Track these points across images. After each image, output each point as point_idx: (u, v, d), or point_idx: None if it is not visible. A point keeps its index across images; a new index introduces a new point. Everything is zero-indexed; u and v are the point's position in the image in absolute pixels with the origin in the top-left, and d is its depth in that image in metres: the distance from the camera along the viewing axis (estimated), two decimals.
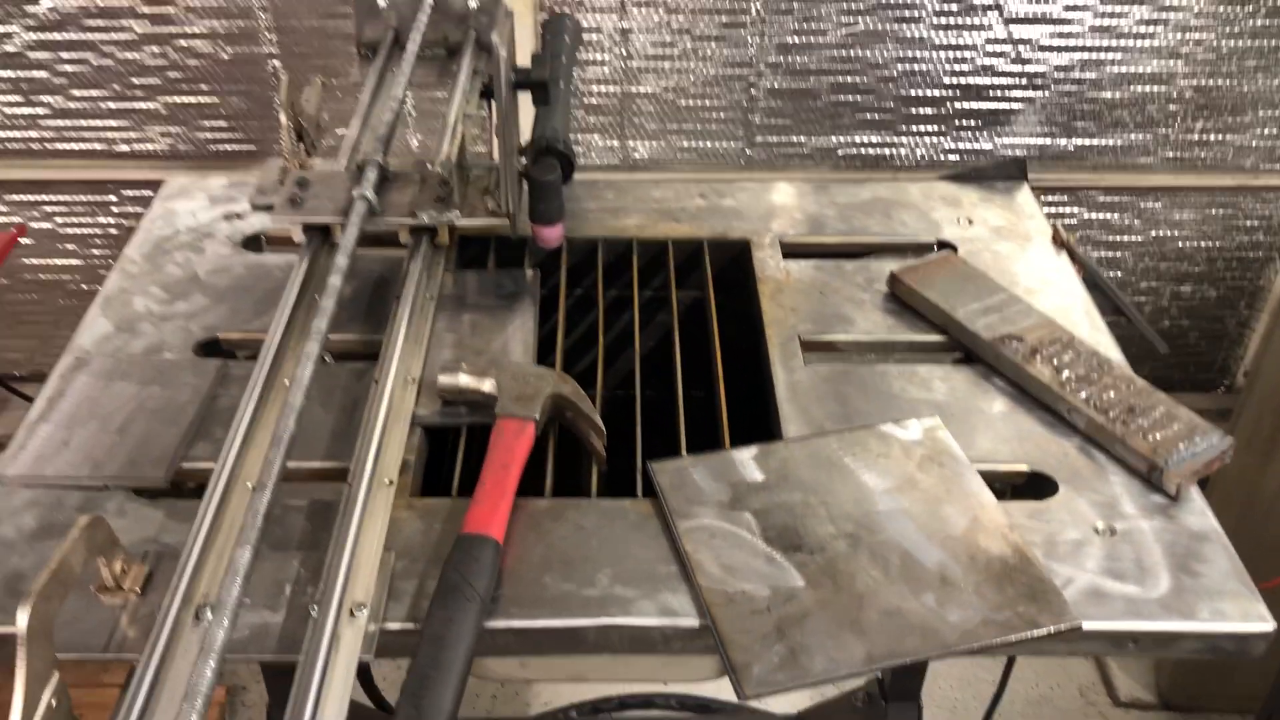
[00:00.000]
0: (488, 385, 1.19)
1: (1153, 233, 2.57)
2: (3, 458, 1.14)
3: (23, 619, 0.85)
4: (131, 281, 1.39)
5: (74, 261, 2.62)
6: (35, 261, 2.60)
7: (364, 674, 1.85)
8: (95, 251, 2.61)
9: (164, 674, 0.90)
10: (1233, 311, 2.70)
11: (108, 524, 0.96)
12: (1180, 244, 2.58)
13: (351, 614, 0.96)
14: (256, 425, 1.12)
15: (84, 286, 2.66)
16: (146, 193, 2.51)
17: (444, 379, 1.20)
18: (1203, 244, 2.58)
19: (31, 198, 2.52)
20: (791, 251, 1.48)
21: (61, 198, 2.53)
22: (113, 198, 2.54)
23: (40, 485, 1.11)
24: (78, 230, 2.58)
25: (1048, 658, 2.54)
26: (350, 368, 1.28)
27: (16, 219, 2.54)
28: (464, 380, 1.19)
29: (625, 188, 1.60)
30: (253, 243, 1.49)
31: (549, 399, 1.18)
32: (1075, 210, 2.53)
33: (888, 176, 2.48)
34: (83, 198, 2.53)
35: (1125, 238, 2.57)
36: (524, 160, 1.42)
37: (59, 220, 2.56)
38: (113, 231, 2.58)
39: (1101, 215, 2.55)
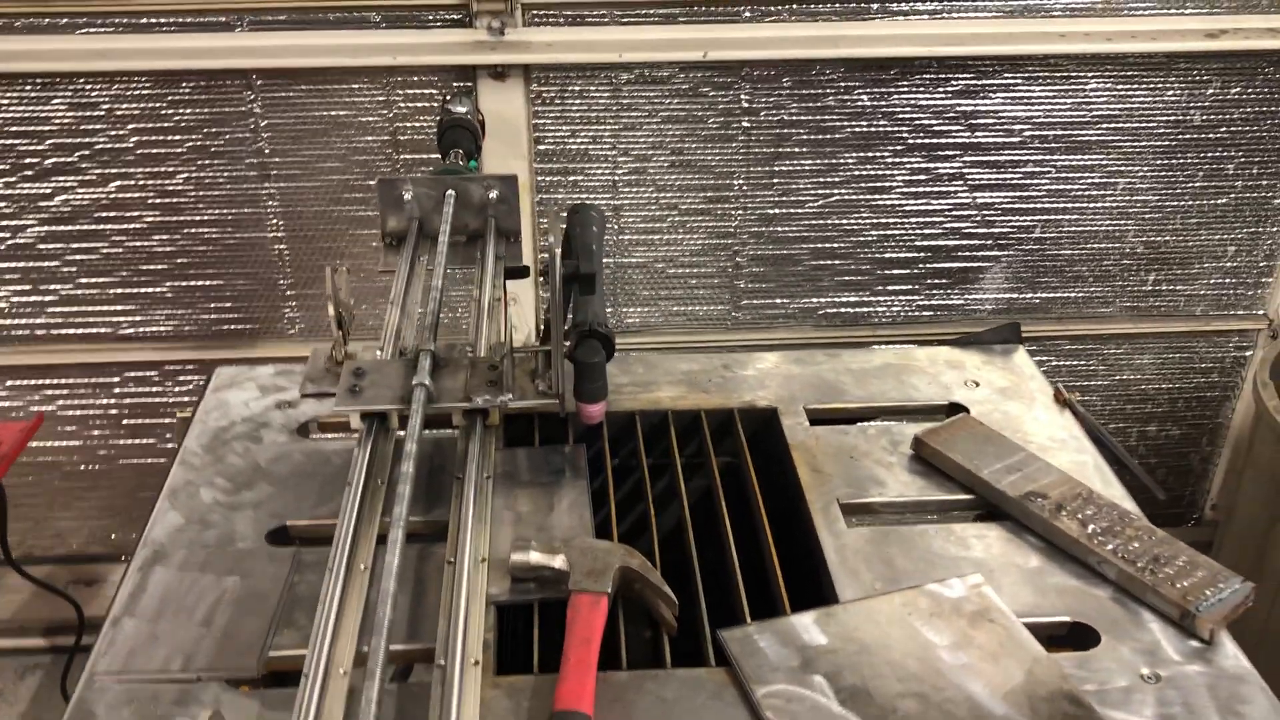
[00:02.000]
0: (558, 561, 1.25)
1: (1117, 376, 2.73)
2: (94, 655, 1.17)
3: None
4: (195, 473, 1.44)
5: (74, 443, 2.63)
6: (33, 445, 2.61)
7: None
8: (95, 433, 2.63)
9: None
10: (1196, 448, 2.85)
11: (224, 718, 1.00)
12: (1143, 386, 2.74)
13: None
14: (343, 611, 1.16)
15: (81, 468, 2.67)
16: (150, 373, 2.57)
17: (516, 557, 1.26)
18: (1164, 385, 2.74)
19: (35, 382, 2.56)
20: (816, 418, 1.58)
21: (64, 380, 2.57)
22: (114, 379, 2.58)
23: (134, 680, 1.13)
24: (79, 412, 2.60)
25: None
26: (415, 548, 1.33)
27: (18, 404, 2.56)
28: (535, 557, 1.25)
29: (654, 361, 1.69)
30: (303, 429, 1.54)
31: (619, 572, 1.24)
32: (1043, 358, 2.68)
33: (867, 334, 2.62)
34: (85, 380, 2.57)
35: (1092, 382, 2.72)
36: (567, 343, 1.51)
37: (60, 403, 2.59)
38: (113, 413, 2.62)
39: (1068, 362, 2.70)
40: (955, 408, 1.61)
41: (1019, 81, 2.35)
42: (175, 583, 1.25)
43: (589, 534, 1.37)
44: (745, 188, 2.45)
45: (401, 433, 1.40)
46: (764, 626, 1.23)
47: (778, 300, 2.59)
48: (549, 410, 1.48)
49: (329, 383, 1.62)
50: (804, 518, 1.41)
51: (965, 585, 1.28)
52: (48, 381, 2.56)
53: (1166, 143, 2.44)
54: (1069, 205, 2.50)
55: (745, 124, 2.37)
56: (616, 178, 2.42)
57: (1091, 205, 2.51)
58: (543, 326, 1.63)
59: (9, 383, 2.54)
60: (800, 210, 2.48)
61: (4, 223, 2.37)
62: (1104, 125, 2.42)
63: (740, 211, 2.48)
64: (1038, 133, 2.41)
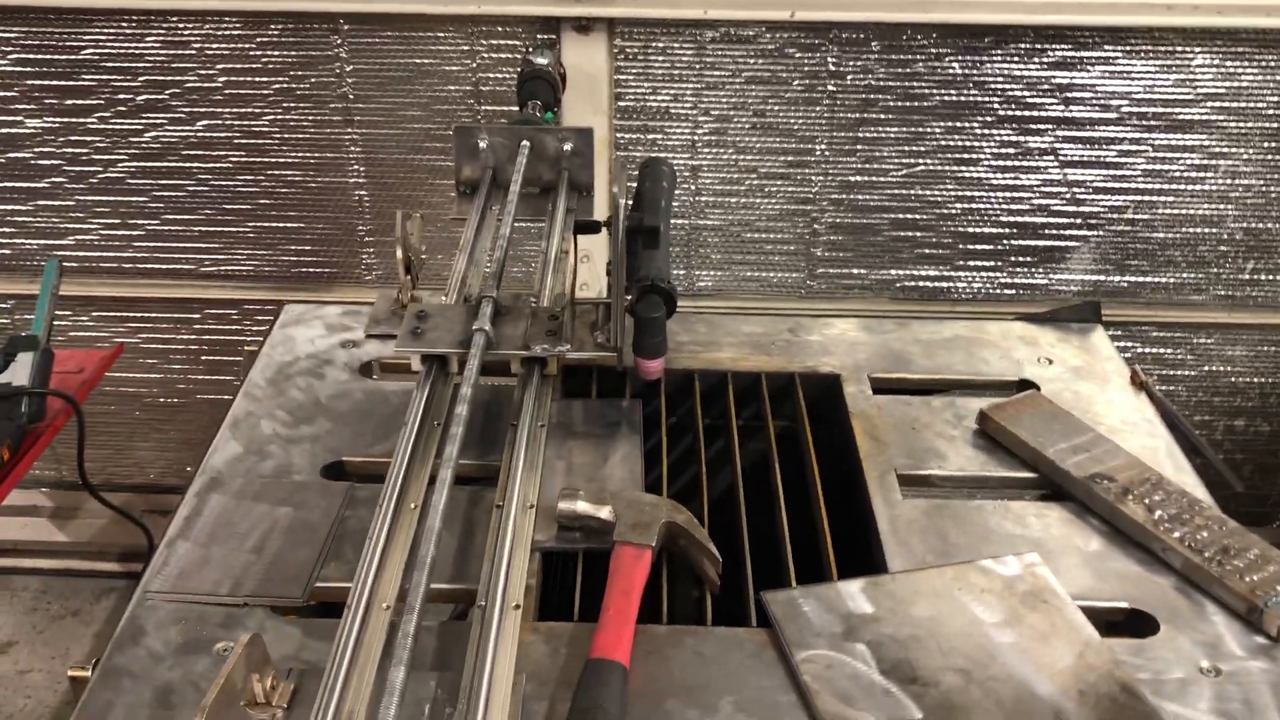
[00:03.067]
0: (605, 512, 1.24)
1: (1206, 367, 2.63)
2: (147, 574, 1.19)
3: None
4: (258, 405, 1.47)
5: (154, 376, 2.71)
6: (115, 375, 2.69)
7: None
8: (174, 367, 2.70)
9: None
10: None
11: (263, 642, 1.01)
12: (1233, 379, 2.63)
13: None
14: (389, 548, 1.17)
15: (161, 401, 2.74)
16: (229, 311, 2.62)
17: (564, 505, 1.25)
18: (1255, 380, 2.64)
19: (119, 314, 2.63)
20: (880, 387, 1.54)
21: (147, 314, 2.63)
22: (195, 315, 2.64)
23: (184, 601, 1.16)
24: (160, 346, 2.67)
25: None
26: (466, 490, 1.33)
27: (104, 334, 2.64)
28: (582, 507, 1.25)
29: (717, 322, 1.67)
30: (366, 369, 1.56)
31: (664, 527, 1.23)
32: (1129, 345, 2.59)
33: (945, 309, 2.56)
34: (167, 315, 2.64)
35: (1178, 372, 2.63)
36: (628, 297, 1.49)
37: (142, 336, 2.66)
38: (192, 348, 2.68)
39: (1155, 350, 2.61)
40: (1025, 384, 1.56)
41: (1119, 54, 2.26)
42: (230, 509, 1.28)
43: (640, 488, 1.36)
44: (827, 153, 2.40)
45: (460, 378, 1.41)
46: (809, 591, 1.21)
47: (854, 270, 2.55)
48: (607, 364, 1.48)
49: (394, 325, 1.63)
50: (859, 486, 1.38)
51: (1020, 563, 1.24)
52: (131, 314, 2.63)
53: (1275, 124, 2.33)
54: (1165, 187, 2.41)
55: (830, 88, 2.32)
56: (696, 137, 2.39)
57: (1190, 188, 2.41)
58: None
59: (94, 313, 2.61)
60: (883, 179, 2.43)
61: (97, 157, 2.44)
62: (1209, 104, 2.31)
63: (821, 178, 2.44)
64: (1136, 109, 2.32)
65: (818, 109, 2.35)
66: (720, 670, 1.11)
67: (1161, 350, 2.61)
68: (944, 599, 1.19)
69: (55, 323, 1.95)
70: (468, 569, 1.22)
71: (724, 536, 1.30)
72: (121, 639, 1.12)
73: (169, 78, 2.34)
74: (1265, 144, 2.35)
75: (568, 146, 1.75)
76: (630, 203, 1.45)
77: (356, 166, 2.45)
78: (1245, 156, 2.36)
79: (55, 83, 2.35)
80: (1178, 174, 2.39)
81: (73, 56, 2.33)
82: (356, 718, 1.00)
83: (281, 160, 2.44)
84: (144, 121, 2.39)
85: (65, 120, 2.39)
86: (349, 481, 1.34)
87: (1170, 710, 1.08)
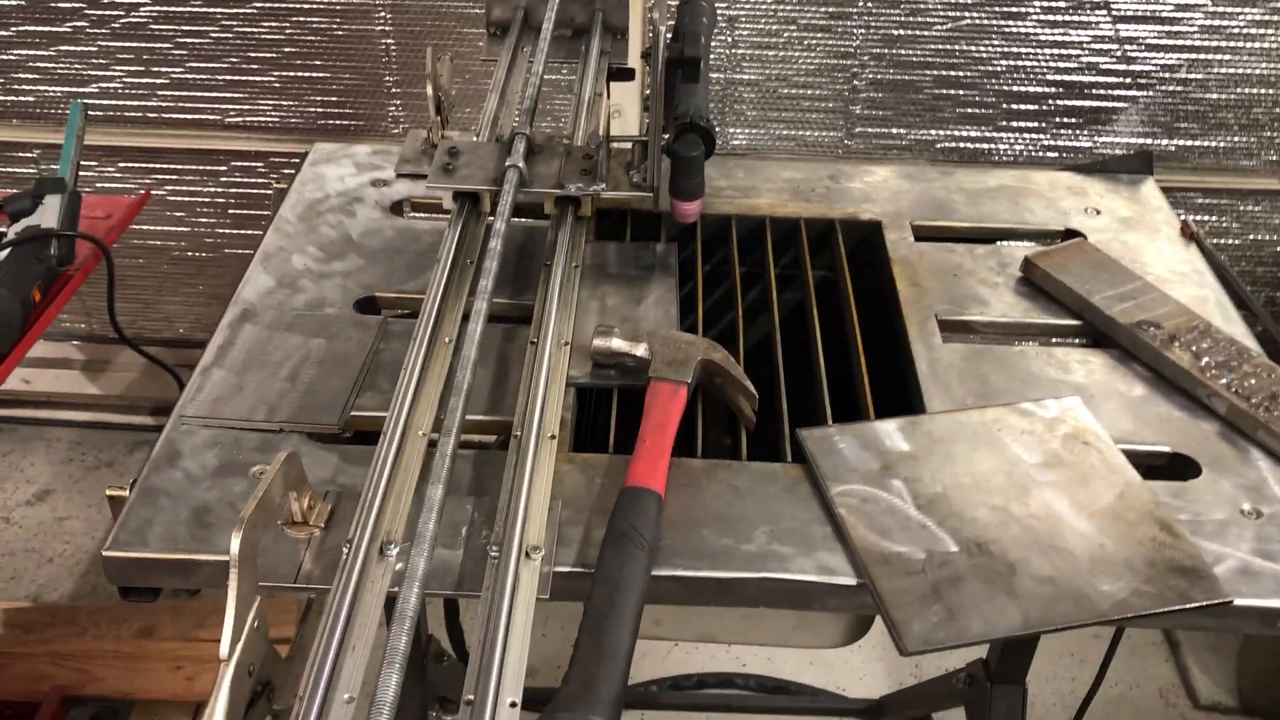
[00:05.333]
0: (640, 350, 1.23)
1: (1251, 236, 2.57)
2: (182, 399, 1.19)
3: (235, 545, 0.90)
4: (289, 240, 1.45)
5: (180, 229, 2.69)
6: (143, 228, 2.68)
7: (451, 618, 1.92)
8: (201, 220, 2.69)
9: (356, 605, 0.95)
10: None
11: (300, 462, 1.01)
12: (1278, 249, 2.57)
13: (528, 555, 1.00)
14: (424, 378, 1.17)
15: (189, 254, 2.74)
16: (256, 164, 2.59)
17: (598, 342, 1.24)
18: None
19: (144, 165, 2.60)
20: (922, 235, 1.51)
21: (173, 166, 2.61)
22: (221, 168, 2.61)
23: (219, 426, 1.16)
24: (186, 199, 2.65)
25: (1127, 658, 2.54)
26: (500, 328, 1.32)
27: (130, 185, 2.62)
28: (617, 344, 1.23)
29: (755, 168, 1.63)
30: (396, 208, 1.53)
31: (699, 364, 1.22)
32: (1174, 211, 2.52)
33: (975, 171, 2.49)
34: (193, 167, 2.61)
35: (1223, 240, 2.57)
36: (665, 136, 1.45)
37: (168, 188, 2.64)
38: (219, 201, 2.66)
39: (1200, 217, 2.54)
40: (1071, 234, 1.52)
41: None
42: (263, 339, 1.27)
43: (674, 329, 1.34)
44: (870, 5, 2.32)
45: (493, 217, 1.38)
46: (845, 428, 1.20)
47: (894, 130, 2.48)
48: (642, 206, 1.45)
49: (424, 164, 1.59)
50: (899, 331, 1.36)
51: (1061, 406, 1.22)
52: (157, 165, 2.60)
53: None
54: (1223, 44, 2.31)
55: None
56: None
57: (1248, 45, 2.31)
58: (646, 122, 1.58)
59: (120, 163, 2.59)
60: (927, 33, 2.34)
61: (119, 1, 2.37)
62: None
63: (863, 30, 2.35)
64: None
65: None
66: (755, 502, 1.11)
67: (1207, 217, 2.54)
68: (983, 439, 1.18)
69: (81, 173, 1.92)
70: (502, 402, 1.22)
71: (760, 383, 1.28)
72: (158, 461, 1.13)
73: None
74: None
75: None
76: (669, 36, 1.40)
77: (383, 14, 2.38)
78: None
79: None
80: (1236, 30, 2.29)
81: None
82: (394, 537, 1.01)
83: (306, 6, 2.37)
84: None
85: None
86: (382, 316, 1.33)
87: (1210, 550, 1.07)
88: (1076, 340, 1.36)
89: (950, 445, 1.17)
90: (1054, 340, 1.36)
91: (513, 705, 0.89)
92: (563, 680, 0.92)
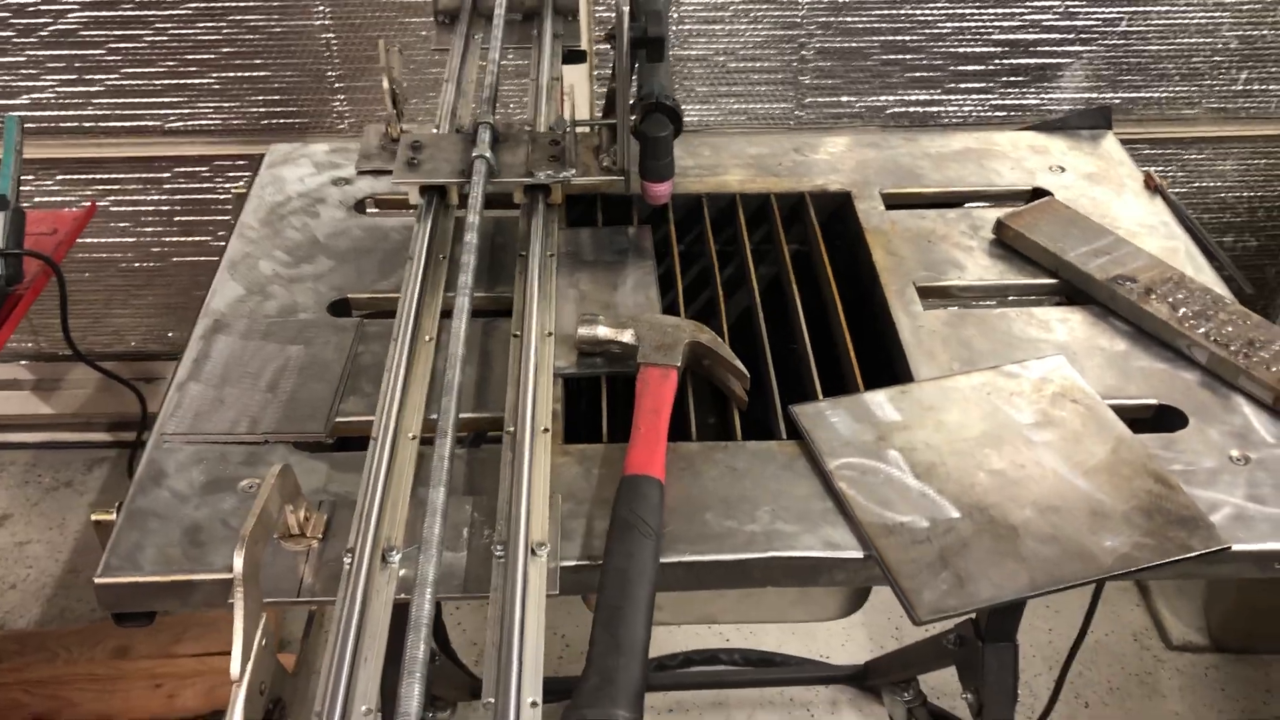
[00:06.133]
0: (627, 336, 1.22)
1: (1195, 184, 2.61)
2: (161, 417, 1.16)
3: (238, 563, 0.88)
4: (253, 246, 1.41)
5: (126, 239, 2.62)
6: (88, 240, 2.61)
7: (438, 627, 1.90)
8: (147, 229, 2.62)
9: (365, 615, 0.93)
10: (1273, 261, 2.74)
11: (294, 474, 0.99)
12: (1223, 194, 2.62)
13: (534, 552, 0.99)
14: (410, 378, 1.14)
15: (137, 265, 2.67)
16: (200, 169, 2.53)
17: (584, 330, 1.22)
18: (1244, 194, 2.62)
19: (85, 176, 2.53)
20: (893, 202, 1.51)
21: (114, 175, 2.53)
22: (164, 174, 2.54)
23: (202, 441, 1.13)
24: (130, 208, 2.58)
25: (1101, 606, 2.58)
26: (479, 322, 1.30)
27: (71, 198, 2.54)
28: (603, 332, 1.22)
29: (721, 145, 1.62)
30: (360, 206, 1.50)
31: (688, 347, 1.21)
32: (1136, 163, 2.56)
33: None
34: (135, 175, 2.54)
35: (1170, 189, 2.60)
36: (632, 117, 1.44)
37: (111, 199, 2.57)
38: (164, 209, 2.59)
39: (1146, 167, 2.57)
40: (1039, 193, 1.53)
41: None
42: (239, 350, 1.24)
43: (656, 313, 1.33)
44: None
45: (461, 211, 1.36)
46: (837, 402, 1.20)
47: (843, 98, 2.48)
48: (613, 190, 1.43)
49: (384, 160, 1.57)
50: (878, 301, 1.36)
51: (1046, 366, 1.23)
52: (98, 175, 2.53)
53: None
54: None
55: None
56: None
57: None
58: (603, 102, 1.56)
59: (59, 176, 2.51)
60: None
61: (44, 7, 2.30)
62: None
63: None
64: None
65: None
66: (754, 482, 1.10)
67: (1154, 167, 2.56)
68: (973, 403, 1.19)
69: (20, 188, 1.86)
70: (488, 398, 1.20)
71: (745, 359, 1.27)
72: (143, 481, 1.09)
73: None
74: None
75: None
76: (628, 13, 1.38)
77: (321, 7, 2.33)
78: None
79: None
80: None
81: None
82: (395, 543, 0.99)
83: (241, 4, 2.31)
84: None
85: None
86: (357, 318, 1.30)
87: (1204, 498, 1.09)
88: (1055, 299, 1.37)
89: (941, 412, 1.18)
90: (1033, 299, 1.37)
91: (533, 705, 0.88)
92: (581, 675, 0.91)
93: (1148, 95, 2.48)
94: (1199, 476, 1.11)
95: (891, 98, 2.48)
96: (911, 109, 2.49)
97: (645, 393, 1.16)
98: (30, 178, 2.48)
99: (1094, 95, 2.48)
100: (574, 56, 1.68)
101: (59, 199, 2.54)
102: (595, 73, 2.37)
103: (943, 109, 2.49)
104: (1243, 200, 2.64)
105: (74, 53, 2.35)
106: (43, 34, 2.33)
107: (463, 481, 1.10)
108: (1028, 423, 1.16)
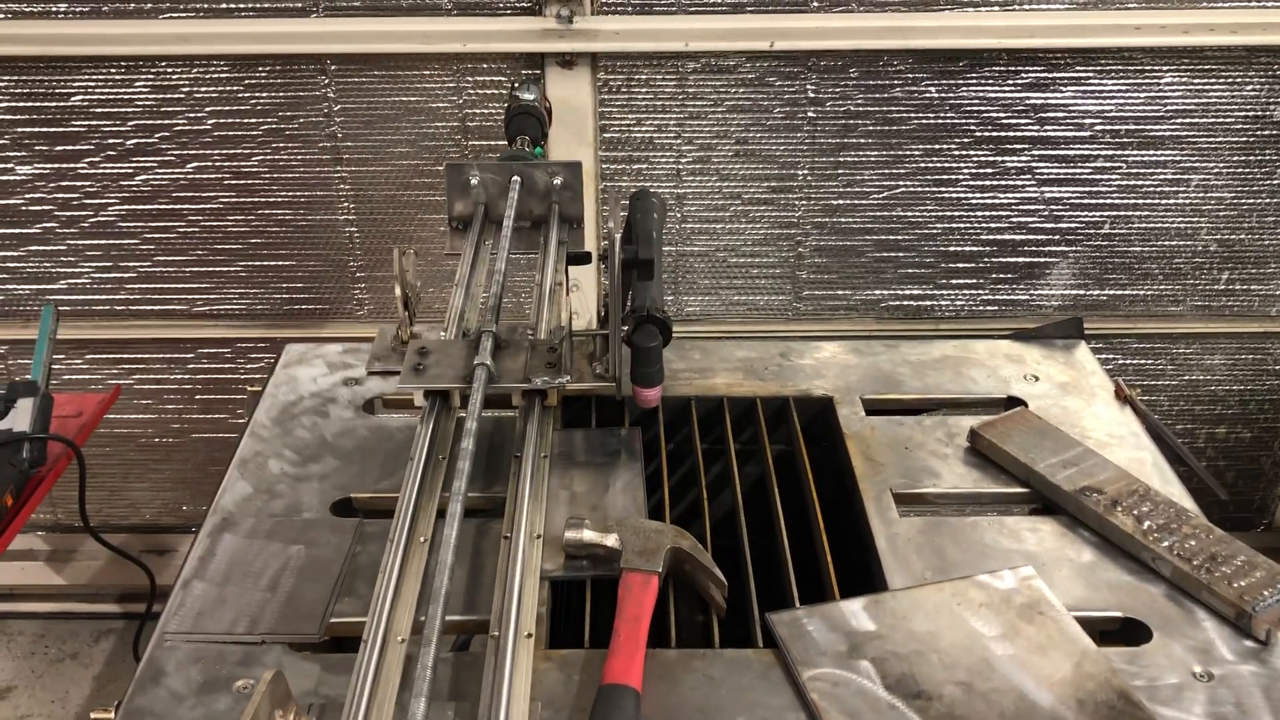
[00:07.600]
0: (611, 540, 1.27)
1: (1185, 377, 2.68)
2: (165, 615, 1.22)
3: None
4: (264, 445, 1.49)
5: (148, 416, 2.72)
6: (110, 416, 2.70)
7: None
8: (169, 407, 2.72)
9: None
10: (1267, 452, 2.79)
11: (285, 679, 1.04)
12: (1213, 388, 2.69)
13: None
14: (402, 579, 1.20)
15: (156, 440, 2.76)
16: (223, 350, 2.64)
17: (570, 534, 1.28)
18: (1234, 387, 2.69)
19: (112, 356, 2.64)
20: (872, 408, 1.58)
21: (140, 355, 2.65)
22: (189, 355, 2.66)
23: (202, 640, 1.18)
24: (154, 386, 2.69)
25: None
26: (473, 523, 1.36)
27: (98, 376, 2.65)
28: (588, 535, 1.28)
29: (711, 348, 1.71)
30: (369, 406, 1.59)
31: (669, 552, 1.26)
32: (1110, 357, 2.64)
33: (929, 327, 2.61)
34: (160, 355, 2.66)
35: (1159, 382, 2.68)
36: (624, 328, 1.53)
37: (136, 377, 2.68)
38: (186, 388, 2.70)
39: (1136, 361, 2.66)
40: (1013, 401, 1.60)
41: (1091, 75, 2.32)
42: (243, 549, 1.30)
43: (642, 515, 1.39)
44: (809, 178, 2.45)
45: (463, 412, 1.44)
46: (812, 611, 1.24)
47: (840, 292, 2.59)
48: (606, 393, 1.51)
49: (394, 361, 1.66)
50: (856, 506, 1.42)
51: (1016, 577, 1.28)
52: (125, 356, 2.64)
53: (1244, 139, 2.39)
54: (1140, 201, 2.46)
55: (811, 114, 2.37)
56: (680, 166, 2.43)
57: (1163, 201, 2.46)
58: (602, 311, 1.66)
59: (88, 356, 2.63)
60: (865, 201, 2.48)
61: (88, 201, 2.46)
62: (1178, 120, 2.37)
63: (804, 202, 2.48)
64: (1109, 127, 2.38)
65: (799, 135, 2.39)
66: (730, 692, 1.14)
67: (1142, 361, 2.66)
68: (944, 614, 1.23)
69: (50, 373, 1.97)
70: (478, 599, 1.25)
71: (726, 558, 1.33)
72: (143, 680, 1.14)
73: (158, 121, 2.37)
74: (1234, 157, 2.42)
75: (557, 181, 1.79)
76: (620, 235, 1.49)
77: (346, 204, 2.48)
78: (1216, 170, 2.42)
79: (45, 129, 2.38)
80: (1151, 189, 2.45)
81: (62, 103, 2.35)
82: None
83: (271, 199, 2.47)
84: (134, 165, 2.42)
85: (56, 166, 2.42)
86: (358, 518, 1.37)
87: (1167, 715, 1.11)
88: (1026, 507, 1.43)
89: (913, 622, 1.22)
90: (1005, 508, 1.42)
91: None
92: None
93: (1133, 293, 2.58)
94: (1163, 693, 1.14)
95: (886, 292, 2.59)
96: (905, 302, 2.60)
97: (628, 599, 1.21)
98: (61, 356, 2.60)
99: (1081, 292, 2.58)
100: (581, 258, 1.79)
101: (86, 377, 2.65)
102: (603, 265, 2.49)
103: (935, 302, 2.60)
104: (1233, 393, 2.71)
105: (111, 242, 2.50)
106: (84, 225, 2.48)
107: (448, 685, 1.14)
108: (995, 634, 1.20)
